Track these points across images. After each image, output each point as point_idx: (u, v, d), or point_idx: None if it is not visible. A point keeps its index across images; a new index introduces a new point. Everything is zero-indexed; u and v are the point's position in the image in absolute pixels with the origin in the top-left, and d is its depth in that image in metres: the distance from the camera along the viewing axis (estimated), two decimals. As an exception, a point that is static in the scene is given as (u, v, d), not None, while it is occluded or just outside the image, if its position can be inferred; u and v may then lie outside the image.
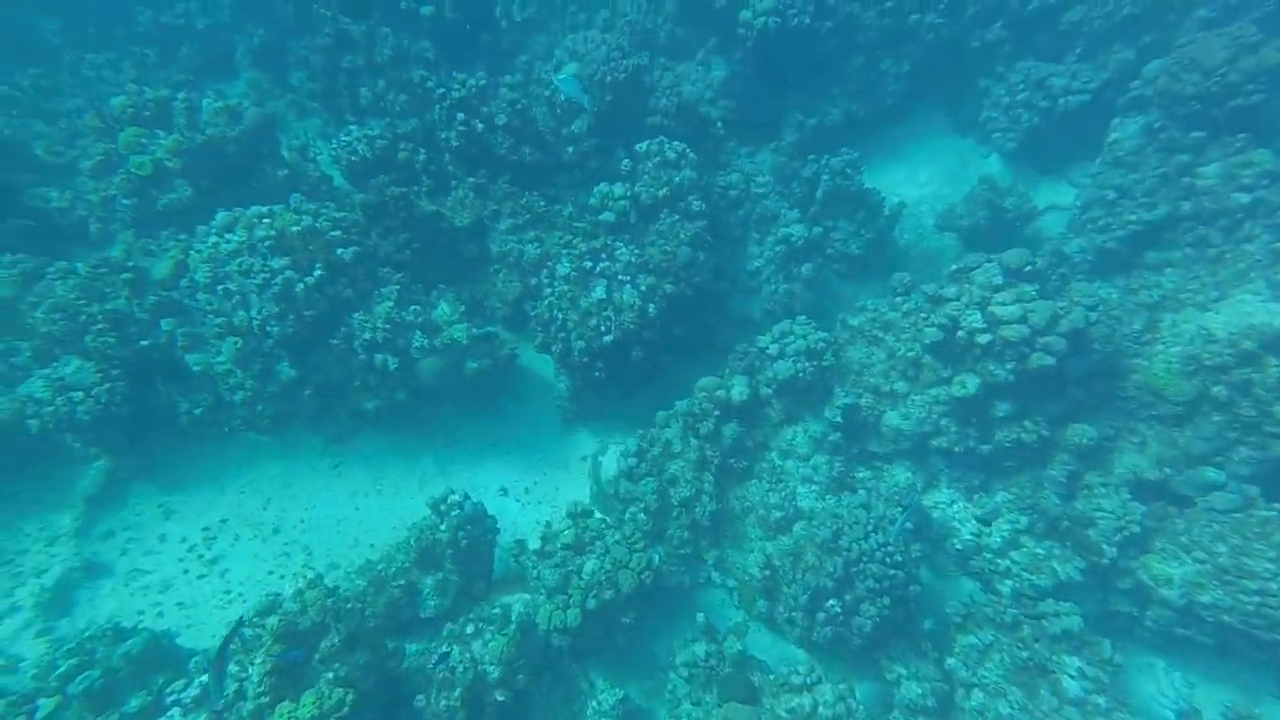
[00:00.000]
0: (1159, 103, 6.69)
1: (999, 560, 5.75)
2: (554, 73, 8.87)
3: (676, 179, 8.32)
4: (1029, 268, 5.61)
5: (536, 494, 7.70)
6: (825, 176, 8.07)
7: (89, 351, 5.72)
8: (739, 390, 7.22)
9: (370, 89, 9.83)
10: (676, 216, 8.25)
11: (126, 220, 6.80)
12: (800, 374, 6.96)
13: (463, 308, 7.75)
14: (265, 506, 6.36)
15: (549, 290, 7.74)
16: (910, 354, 6.28)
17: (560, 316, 7.58)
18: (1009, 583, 5.70)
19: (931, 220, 8.42)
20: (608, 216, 8.27)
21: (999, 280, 5.62)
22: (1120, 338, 5.97)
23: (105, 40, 9.90)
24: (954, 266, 6.07)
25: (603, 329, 7.45)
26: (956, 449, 5.97)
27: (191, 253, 6.21)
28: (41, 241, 6.72)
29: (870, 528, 5.63)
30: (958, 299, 5.81)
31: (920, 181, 8.69)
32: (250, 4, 10.48)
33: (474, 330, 7.56)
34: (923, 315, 6.21)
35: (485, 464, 7.75)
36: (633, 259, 7.71)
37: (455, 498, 6.16)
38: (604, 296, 7.52)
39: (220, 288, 6.12)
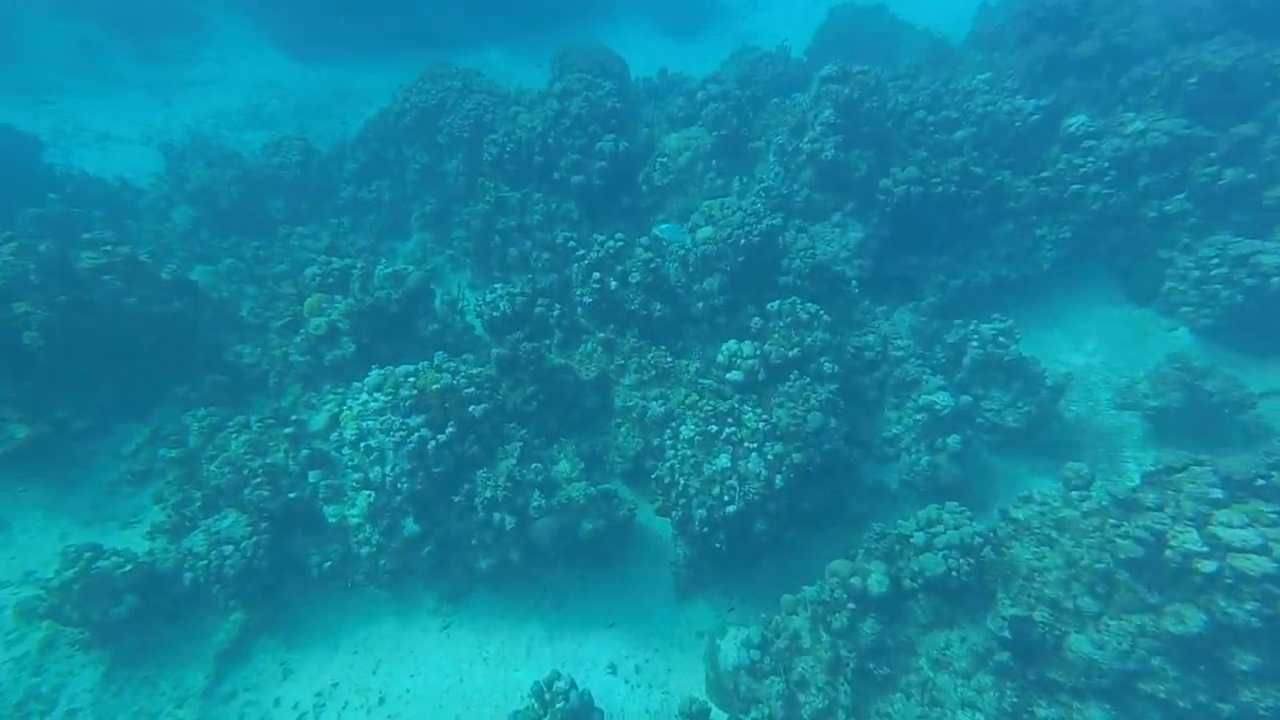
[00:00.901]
0: None
1: None
2: (691, 233, 9.24)
3: (808, 340, 8.05)
4: (1261, 482, 4.55)
5: (647, 674, 7.05)
6: (974, 344, 7.43)
7: (245, 504, 6.20)
8: (877, 580, 6.32)
9: (518, 248, 10.76)
10: (807, 379, 7.89)
11: (298, 375, 7.59)
12: (954, 572, 6.00)
13: (582, 464, 7.68)
14: (375, 670, 6.26)
15: (671, 453, 7.51)
16: (1099, 567, 5.19)
17: (682, 482, 7.27)
18: None
19: (1106, 394, 7.38)
20: (735, 376, 8.09)
21: (1218, 493, 4.58)
22: None
23: (314, 214, 11.82)
24: (1150, 466, 5.09)
25: (726, 499, 7.03)
26: (1181, 703, 4.66)
27: (344, 409, 6.72)
28: (231, 394, 7.67)
29: (1063, 802, 4.40)
30: (1160, 509, 4.79)
31: (1088, 350, 7.76)
32: (429, 180, 12.15)
33: (591, 489, 7.41)
34: (1112, 521, 5.19)
35: (594, 634, 7.28)
36: (760, 425, 7.36)
37: (561, 684, 5.71)
38: (728, 465, 7.15)
39: (363, 444, 6.48)
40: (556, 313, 9.18)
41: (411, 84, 12.36)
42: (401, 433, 6.52)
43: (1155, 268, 7.68)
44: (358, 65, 18.23)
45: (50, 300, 6.33)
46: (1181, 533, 4.59)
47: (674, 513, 7.39)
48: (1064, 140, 8.15)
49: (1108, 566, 5.20)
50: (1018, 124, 8.35)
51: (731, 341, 8.23)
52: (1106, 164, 7.70)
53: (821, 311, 8.05)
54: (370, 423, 6.51)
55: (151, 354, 7.36)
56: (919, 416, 7.82)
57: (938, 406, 7.64)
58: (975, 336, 7.49)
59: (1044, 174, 7.65)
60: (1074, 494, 5.93)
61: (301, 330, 7.68)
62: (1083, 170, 7.76)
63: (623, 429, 8.58)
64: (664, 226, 8.55)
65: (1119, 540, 5.02)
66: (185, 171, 11.36)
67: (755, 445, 7.25)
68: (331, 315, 7.73)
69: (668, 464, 7.48)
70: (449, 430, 6.74)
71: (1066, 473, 6.03)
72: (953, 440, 7.57)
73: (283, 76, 17.77)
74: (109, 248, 6.93)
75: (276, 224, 11.15)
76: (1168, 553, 4.68)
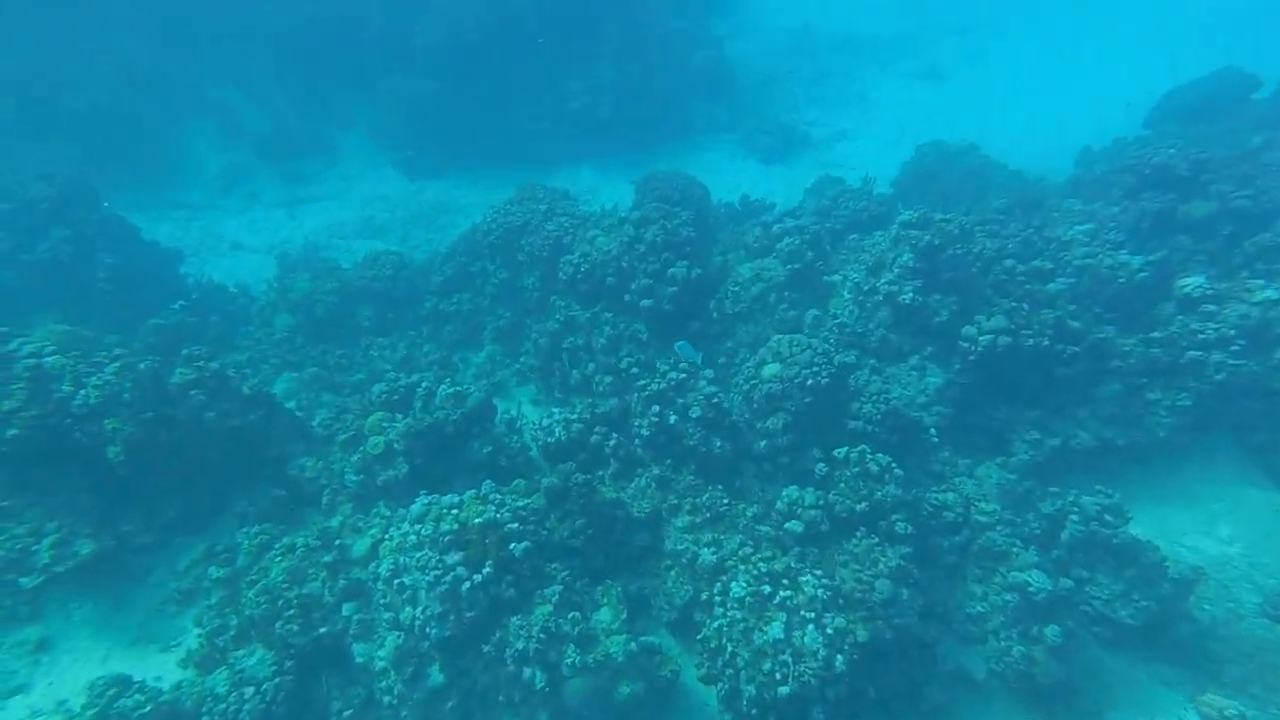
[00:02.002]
0: None
1: None
2: (757, 368, 9.10)
3: (878, 495, 7.40)
4: None
5: None
6: (1074, 518, 6.49)
7: (274, 639, 6.07)
8: (959, 808, 5.31)
9: (581, 371, 10.78)
10: (876, 539, 7.17)
11: (351, 494, 7.65)
12: (1055, 819, 4.91)
13: (625, 614, 7.15)
14: None
15: (720, 612, 6.87)
16: None
17: (729, 648, 6.59)
18: None
19: (1251, 596, 6.17)
20: (794, 526, 7.51)
21: None
22: None
23: (399, 323, 12.49)
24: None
25: (778, 677, 6.27)
26: None
27: (384, 541, 6.61)
28: (289, 508, 7.81)
29: None
30: (1336, 793, 3.71)
31: (1222, 537, 6.62)
32: (506, 294, 12.65)
33: (632, 644, 6.83)
34: (1267, 794, 4.08)
35: (622, 822, 6.45)
36: (819, 592, 6.65)
37: None
38: (782, 636, 6.43)
39: (396, 581, 6.30)
40: (613, 442, 8.95)
41: (502, 205, 13.16)
42: (436, 571, 6.30)
43: (1301, 452, 6.57)
44: (461, 180, 19.91)
45: (137, 416, 6.79)
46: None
47: (720, 684, 6.66)
48: (1178, 301, 7.35)
49: None
50: (1121, 280, 7.67)
51: (793, 488, 7.70)
52: (1233, 332, 6.83)
53: (894, 465, 7.41)
54: (406, 558, 6.36)
55: (220, 467, 7.67)
56: (1009, 596, 6.83)
57: (1031, 588, 6.65)
58: (1075, 510, 6.56)
59: (1155, 334, 6.87)
60: (1213, 736, 4.81)
61: (360, 448, 7.81)
62: (1202, 336, 6.92)
63: (672, 573, 8.03)
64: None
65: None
66: (291, 281, 12.40)
67: (813, 615, 6.52)
68: (390, 435, 7.85)
69: (715, 624, 6.84)
70: (485, 570, 6.47)
71: (1206, 708, 4.94)
72: (1052, 631, 6.51)
73: (394, 191, 19.62)
74: (201, 363, 7.44)
75: (363, 333, 11.82)
76: None
